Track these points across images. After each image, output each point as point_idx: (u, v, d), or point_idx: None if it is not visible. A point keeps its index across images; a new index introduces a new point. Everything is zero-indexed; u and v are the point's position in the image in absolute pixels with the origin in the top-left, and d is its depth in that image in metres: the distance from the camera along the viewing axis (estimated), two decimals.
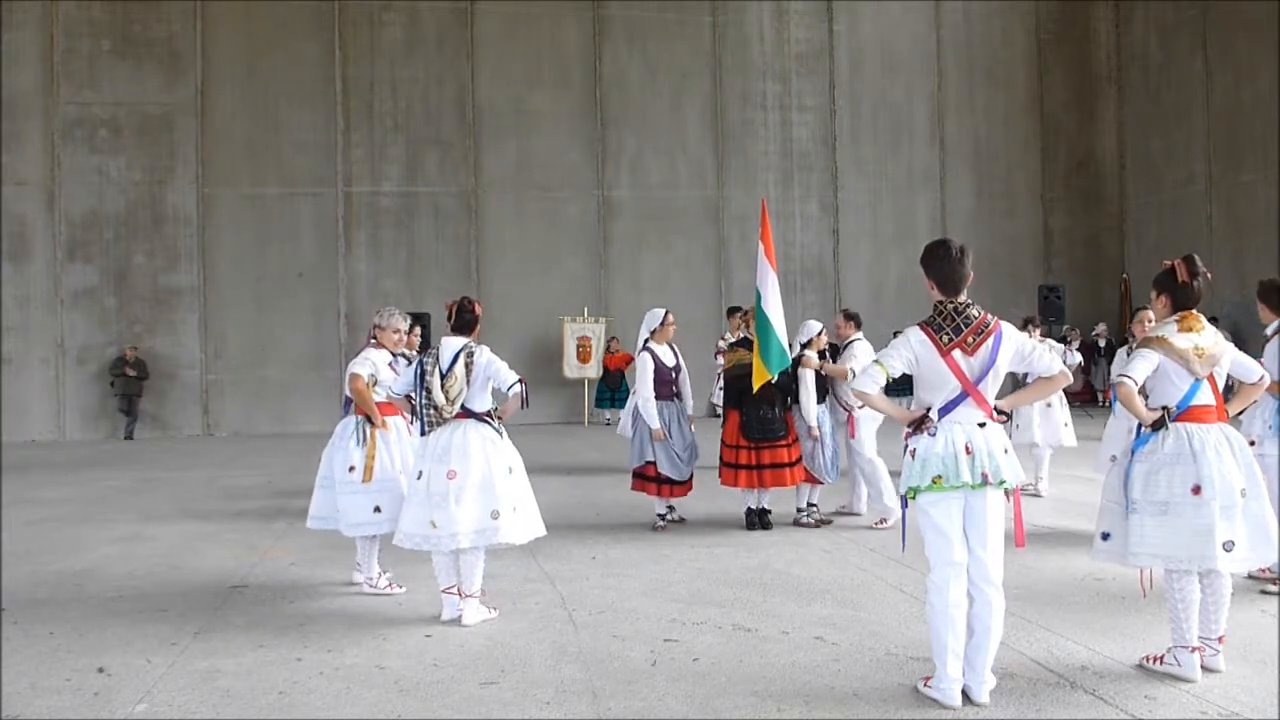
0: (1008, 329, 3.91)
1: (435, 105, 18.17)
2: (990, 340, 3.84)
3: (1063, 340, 11.78)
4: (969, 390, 3.83)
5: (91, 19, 17.15)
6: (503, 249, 18.28)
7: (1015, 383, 7.91)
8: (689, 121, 18.95)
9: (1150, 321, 7.18)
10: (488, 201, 18.31)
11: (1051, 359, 3.98)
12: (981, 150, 20.04)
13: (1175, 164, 19.03)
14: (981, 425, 3.85)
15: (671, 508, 7.76)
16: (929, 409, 3.88)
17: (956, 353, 3.83)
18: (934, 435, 3.84)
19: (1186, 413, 4.13)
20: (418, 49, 18.14)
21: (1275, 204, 16.53)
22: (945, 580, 3.86)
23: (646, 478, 7.55)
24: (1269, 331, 5.73)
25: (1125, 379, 4.10)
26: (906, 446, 3.93)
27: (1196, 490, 4.01)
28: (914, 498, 3.89)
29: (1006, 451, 3.86)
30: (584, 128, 18.60)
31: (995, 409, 3.90)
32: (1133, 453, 4.20)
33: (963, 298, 3.92)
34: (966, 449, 3.79)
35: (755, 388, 7.24)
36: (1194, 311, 4.21)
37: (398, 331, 5.98)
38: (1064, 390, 8.99)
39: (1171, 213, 19.15)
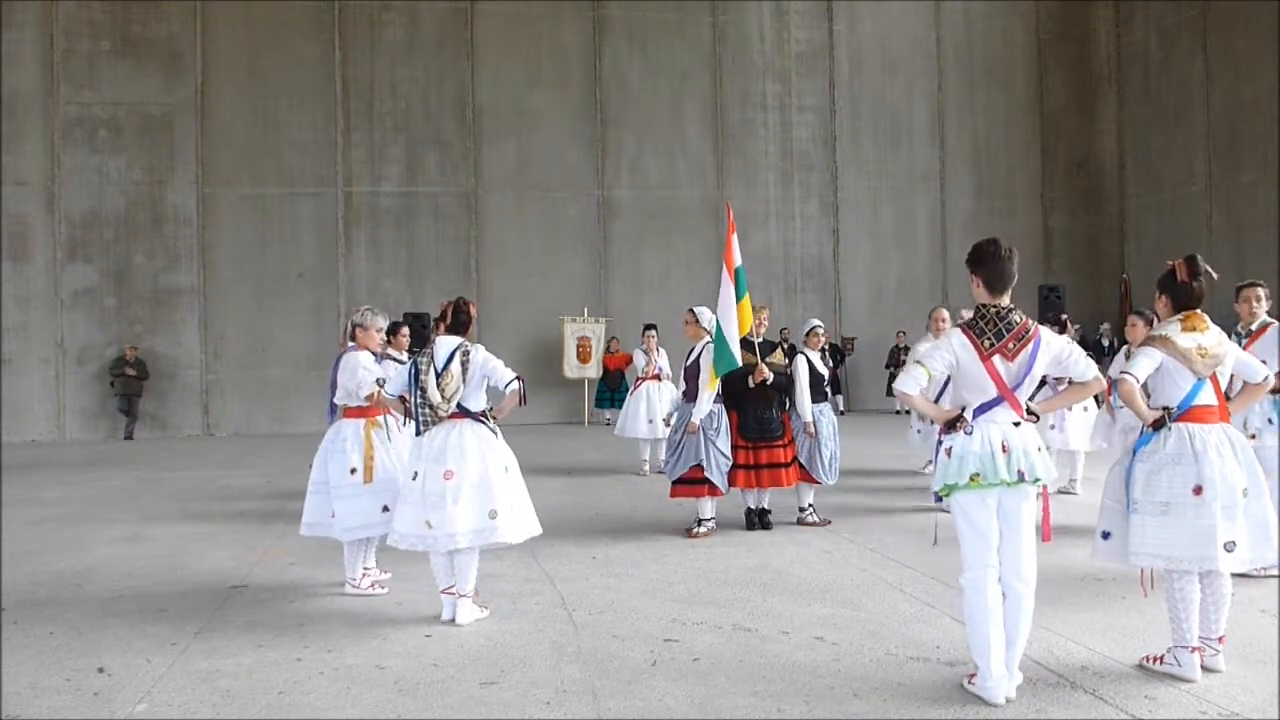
0: (1046, 335, 3.94)
1: (435, 105, 18.17)
2: (1030, 347, 3.87)
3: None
4: (1005, 395, 3.86)
5: (91, 19, 17.15)
6: (503, 249, 18.28)
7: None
8: (689, 121, 18.96)
9: (1138, 327, 7.27)
10: (488, 201, 18.31)
11: (1087, 365, 3.99)
12: (981, 150, 20.04)
13: (1175, 164, 19.03)
14: (1016, 424, 3.88)
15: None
16: (964, 409, 3.91)
17: (997, 358, 3.86)
18: (970, 434, 3.86)
19: (1188, 413, 4.13)
20: (418, 49, 18.14)
21: (1275, 204, 16.53)
22: (982, 580, 3.89)
23: (696, 481, 7.29)
24: (1253, 328, 5.92)
25: (1127, 376, 4.10)
26: (941, 444, 3.95)
27: (1198, 491, 4.01)
28: (948, 495, 3.92)
29: (1040, 450, 3.90)
30: (584, 128, 18.60)
31: (1027, 409, 3.93)
32: (1134, 452, 4.20)
33: (1006, 300, 3.94)
34: (1003, 447, 3.83)
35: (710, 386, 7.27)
36: (1198, 311, 4.22)
37: (380, 330, 5.96)
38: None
39: (1171, 213, 19.15)
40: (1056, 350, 3.94)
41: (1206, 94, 18.19)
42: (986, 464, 3.82)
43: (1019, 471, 3.81)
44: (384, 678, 4.30)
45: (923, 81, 19.86)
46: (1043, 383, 7.17)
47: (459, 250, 18.21)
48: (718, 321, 7.34)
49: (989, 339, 3.86)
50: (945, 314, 8.80)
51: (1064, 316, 9.86)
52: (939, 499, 4.01)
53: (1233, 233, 17.62)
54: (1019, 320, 3.90)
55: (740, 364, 7.26)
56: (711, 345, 7.39)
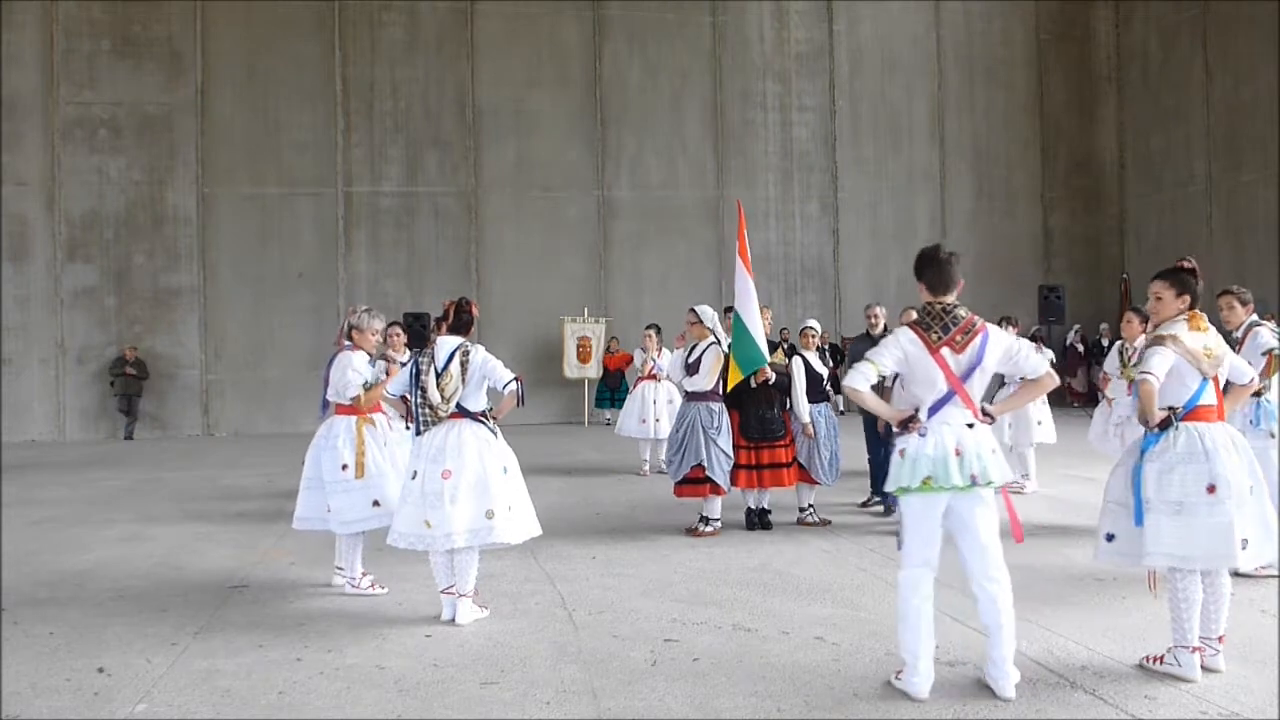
0: (994, 330, 3.97)
1: (435, 105, 18.18)
2: (978, 339, 3.91)
3: (1033, 339, 11.70)
4: (956, 388, 3.87)
5: (91, 19, 17.15)
6: (503, 249, 18.27)
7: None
8: (689, 121, 18.96)
9: (1134, 323, 7.23)
10: (488, 201, 18.31)
11: (1039, 361, 4.02)
12: (981, 150, 20.04)
13: (1175, 164, 19.03)
14: (970, 426, 3.89)
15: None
16: (917, 409, 3.92)
17: (945, 350, 3.89)
18: (924, 436, 3.88)
19: (1193, 412, 4.13)
20: (418, 49, 18.14)
21: (1275, 204, 16.54)
22: (917, 579, 3.93)
23: (698, 480, 7.29)
24: (1239, 334, 5.96)
25: (1148, 376, 4.02)
26: (894, 446, 3.97)
27: (1211, 489, 3.99)
28: (901, 495, 3.95)
29: (994, 451, 3.91)
30: (584, 128, 18.60)
31: (982, 411, 3.94)
32: (1142, 452, 4.18)
33: (950, 299, 3.99)
34: (956, 450, 3.84)
35: (729, 386, 7.25)
36: (1198, 311, 4.23)
37: (377, 333, 5.96)
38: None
39: (1171, 213, 19.15)
40: (1006, 345, 3.97)
41: (1206, 94, 18.20)
42: (939, 468, 3.83)
43: (971, 475, 3.83)
44: (384, 678, 4.30)
45: (923, 81, 19.86)
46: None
47: (459, 250, 18.21)
48: (738, 317, 7.27)
49: (936, 332, 3.91)
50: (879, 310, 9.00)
51: (1004, 319, 9.89)
52: (894, 500, 4.03)
53: (1233, 233, 17.62)
54: (964, 315, 3.95)
55: (768, 359, 7.26)
56: (715, 345, 7.39)
